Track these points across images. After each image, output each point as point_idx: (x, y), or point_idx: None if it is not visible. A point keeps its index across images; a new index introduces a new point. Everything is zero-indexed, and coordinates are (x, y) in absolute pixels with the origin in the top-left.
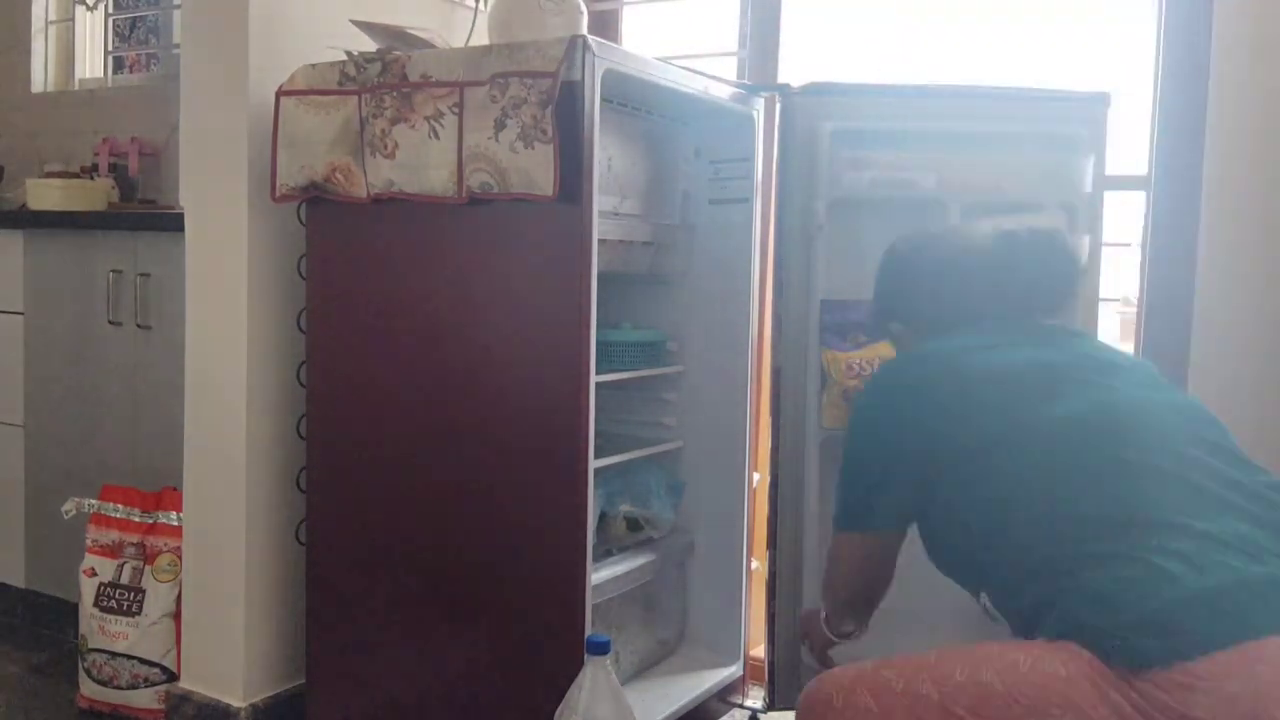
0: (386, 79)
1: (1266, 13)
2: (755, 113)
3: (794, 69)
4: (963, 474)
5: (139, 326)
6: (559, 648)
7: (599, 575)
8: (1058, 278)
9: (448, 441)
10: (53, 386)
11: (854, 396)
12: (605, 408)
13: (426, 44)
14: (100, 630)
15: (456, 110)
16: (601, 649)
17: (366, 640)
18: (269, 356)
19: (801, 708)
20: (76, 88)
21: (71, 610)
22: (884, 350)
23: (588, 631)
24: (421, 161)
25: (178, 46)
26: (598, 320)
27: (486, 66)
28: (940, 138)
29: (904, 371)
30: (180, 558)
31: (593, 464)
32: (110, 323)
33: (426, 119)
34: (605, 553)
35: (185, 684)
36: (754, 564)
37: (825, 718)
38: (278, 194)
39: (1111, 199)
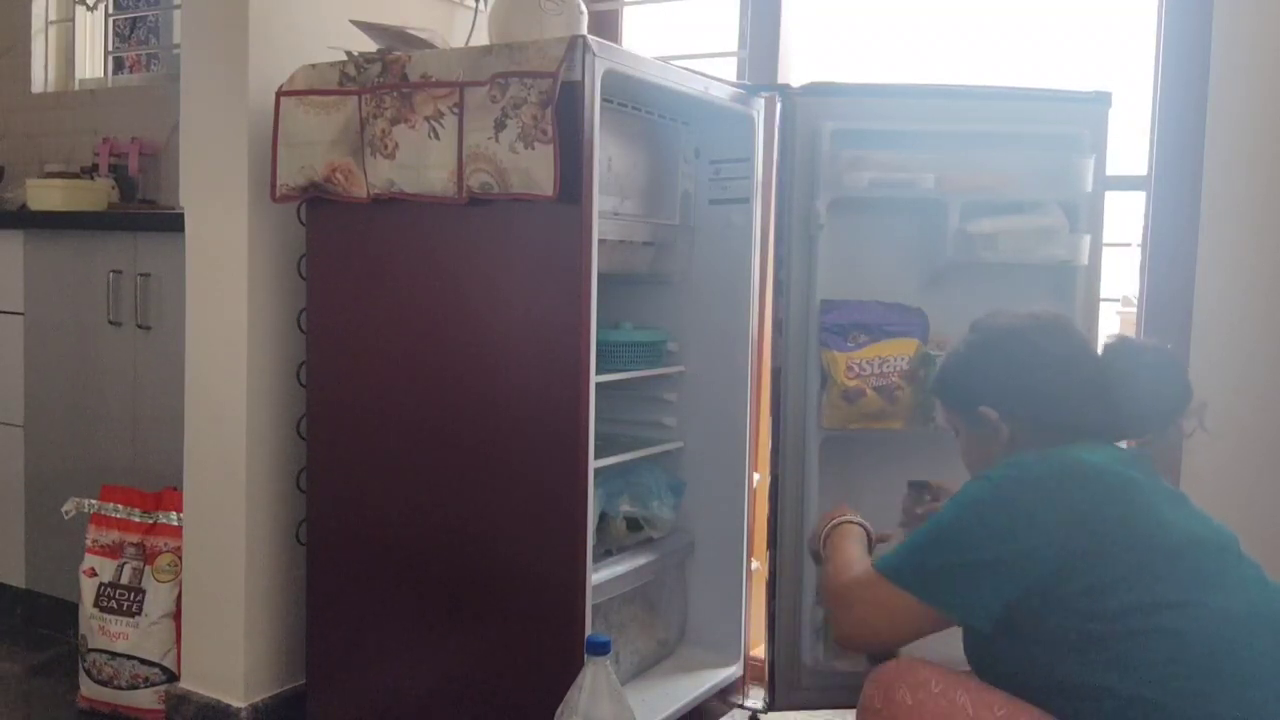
0: (386, 79)
1: (1266, 12)
2: (755, 113)
3: (794, 69)
4: (1108, 608)
5: (139, 326)
6: (559, 648)
7: (599, 575)
8: (1173, 400)
9: (447, 441)
10: (53, 386)
11: (979, 480)
12: (605, 408)
13: (426, 44)
14: (100, 630)
15: (456, 110)
16: (601, 649)
17: (366, 640)
18: (269, 356)
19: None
20: (76, 88)
21: (71, 610)
22: (883, 350)
23: (588, 631)
24: (421, 161)
25: (178, 46)
26: (598, 320)
27: (486, 66)
28: (940, 138)
29: (1075, 473)
30: (180, 558)
31: (593, 464)
32: (110, 323)
33: (426, 119)
34: (605, 553)
35: (185, 684)
36: (754, 564)
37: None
38: (278, 194)
39: (1111, 199)
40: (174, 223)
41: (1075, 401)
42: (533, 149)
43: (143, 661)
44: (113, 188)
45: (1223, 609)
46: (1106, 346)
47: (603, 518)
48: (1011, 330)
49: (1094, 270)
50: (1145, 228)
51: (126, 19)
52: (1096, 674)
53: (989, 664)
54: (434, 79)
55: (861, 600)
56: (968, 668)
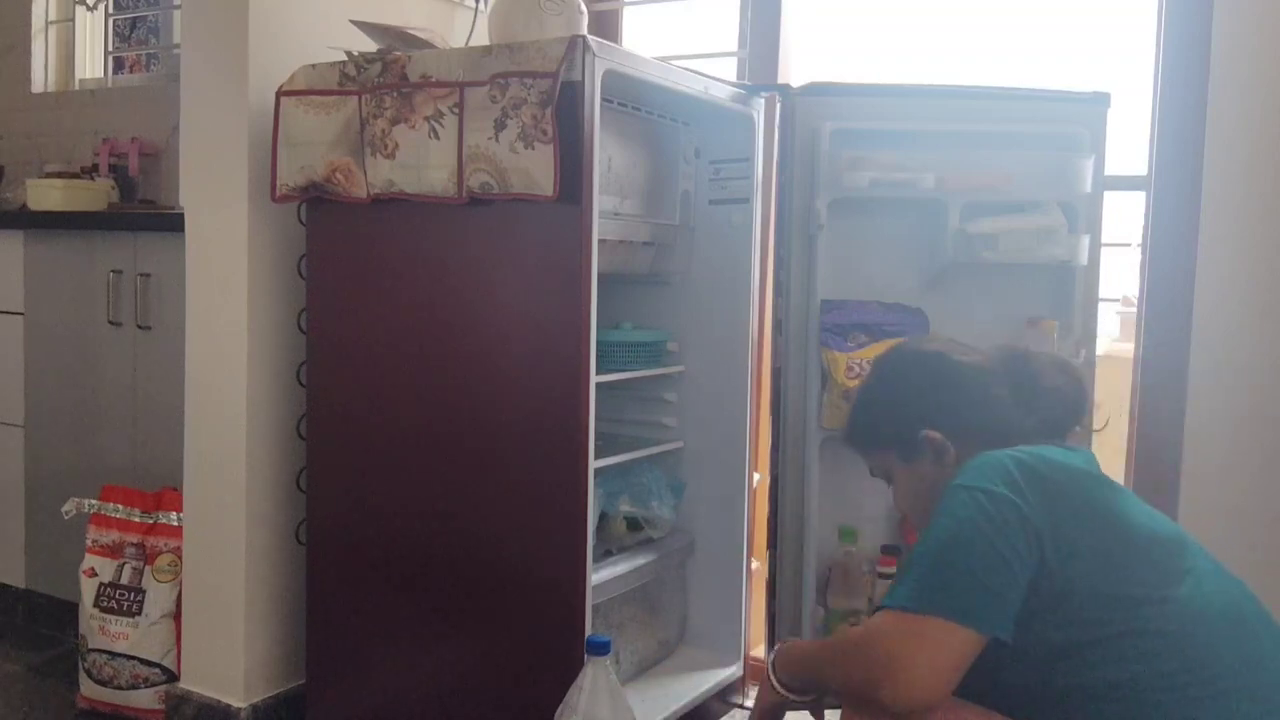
0: (387, 79)
1: (1267, 12)
2: (755, 113)
3: (794, 69)
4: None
5: (139, 326)
6: (559, 648)
7: (599, 575)
8: (1078, 401)
9: (447, 441)
10: (53, 386)
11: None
12: (605, 408)
13: (426, 44)
14: (100, 630)
15: (456, 110)
16: (601, 649)
17: (366, 640)
18: (269, 356)
19: None
20: (76, 88)
21: (71, 610)
22: (882, 350)
23: (588, 631)
24: (421, 161)
25: (178, 46)
26: (598, 320)
27: (486, 66)
28: (940, 138)
29: (1039, 465)
30: (180, 558)
31: (593, 464)
32: (110, 323)
33: (426, 119)
34: (605, 553)
35: (185, 684)
36: (754, 564)
37: None
38: (278, 194)
39: (1111, 199)
40: (174, 223)
41: (1001, 407)
42: (533, 149)
43: (143, 661)
44: (113, 188)
45: (1189, 603)
46: (1000, 355)
47: (603, 518)
48: (918, 353)
49: (1093, 270)
50: (1145, 228)
51: (126, 19)
52: (1094, 673)
53: (988, 686)
54: (434, 79)
55: (905, 652)
56: None
